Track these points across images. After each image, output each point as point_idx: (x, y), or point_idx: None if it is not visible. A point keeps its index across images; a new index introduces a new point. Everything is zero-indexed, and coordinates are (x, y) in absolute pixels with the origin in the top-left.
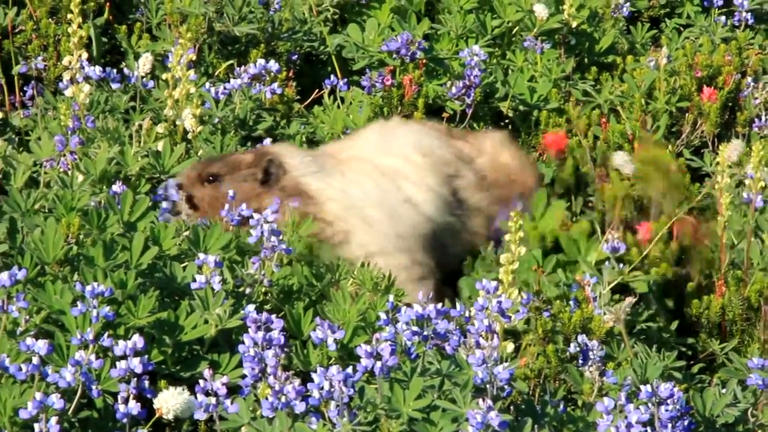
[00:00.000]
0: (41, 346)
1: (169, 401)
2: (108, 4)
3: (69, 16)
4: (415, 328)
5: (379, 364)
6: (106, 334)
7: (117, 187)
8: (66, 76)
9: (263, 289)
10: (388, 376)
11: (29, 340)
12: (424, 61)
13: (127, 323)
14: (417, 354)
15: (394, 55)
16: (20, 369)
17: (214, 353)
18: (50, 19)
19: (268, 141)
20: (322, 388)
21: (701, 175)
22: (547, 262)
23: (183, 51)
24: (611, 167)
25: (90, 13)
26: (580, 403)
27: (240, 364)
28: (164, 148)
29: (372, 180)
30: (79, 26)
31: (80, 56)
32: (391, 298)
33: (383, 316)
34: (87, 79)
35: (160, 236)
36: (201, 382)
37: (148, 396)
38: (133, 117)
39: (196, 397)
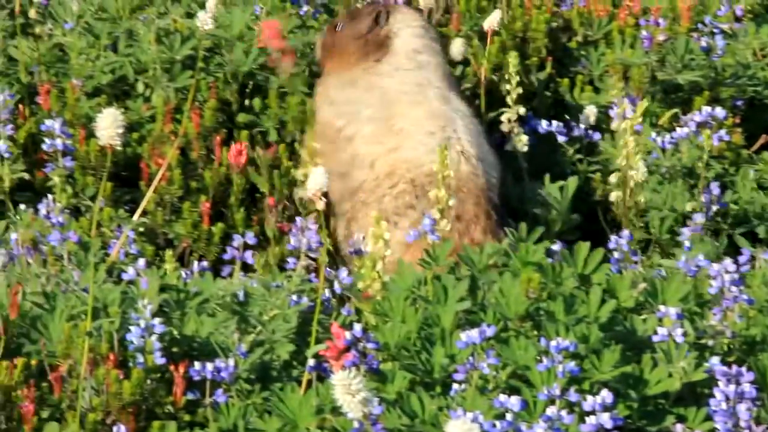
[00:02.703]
0: (514, 402)
1: None
2: (550, 58)
3: (507, 74)
4: None
5: None
6: (572, 389)
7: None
8: (505, 129)
9: (726, 341)
10: None
11: (502, 397)
12: None
13: (591, 378)
14: None
15: None
16: (494, 425)
17: (679, 407)
18: (495, 75)
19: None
20: None
21: None
22: None
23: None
24: None
25: (533, 68)
26: None
27: (707, 418)
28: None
29: None
30: (519, 83)
31: (518, 111)
32: None
33: None
34: (534, 132)
35: (616, 288)
36: None
37: None
38: (579, 168)
39: None
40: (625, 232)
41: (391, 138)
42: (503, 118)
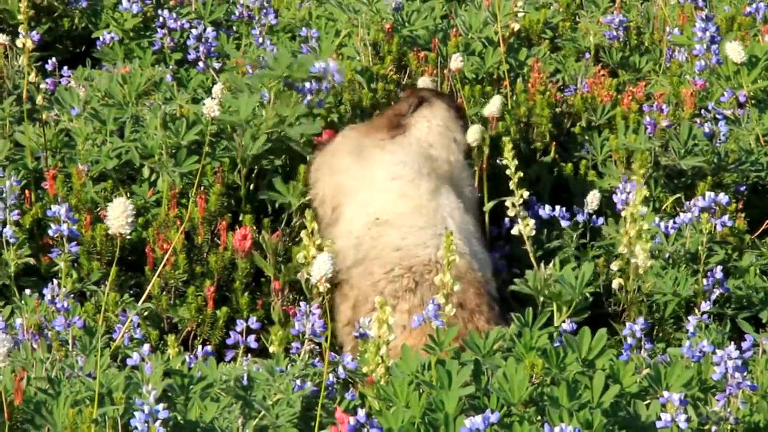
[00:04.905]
0: None
1: None
2: (554, 142)
3: (504, 160)
4: None
5: None
6: None
7: (566, 325)
8: (510, 214)
9: (729, 427)
10: None
11: None
12: None
13: None
14: None
15: None
16: None
17: None
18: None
19: None
20: None
21: None
22: None
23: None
24: None
25: (537, 153)
26: None
27: None
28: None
29: None
30: (521, 168)
31: (521, 195)
32: None
33: None
34: (536, 217)
35: (620, 373)
36: None
37: None
38: (584, 254)
39: None
40: (640, 320)
41: (373, 228)
42: (507, 203)
